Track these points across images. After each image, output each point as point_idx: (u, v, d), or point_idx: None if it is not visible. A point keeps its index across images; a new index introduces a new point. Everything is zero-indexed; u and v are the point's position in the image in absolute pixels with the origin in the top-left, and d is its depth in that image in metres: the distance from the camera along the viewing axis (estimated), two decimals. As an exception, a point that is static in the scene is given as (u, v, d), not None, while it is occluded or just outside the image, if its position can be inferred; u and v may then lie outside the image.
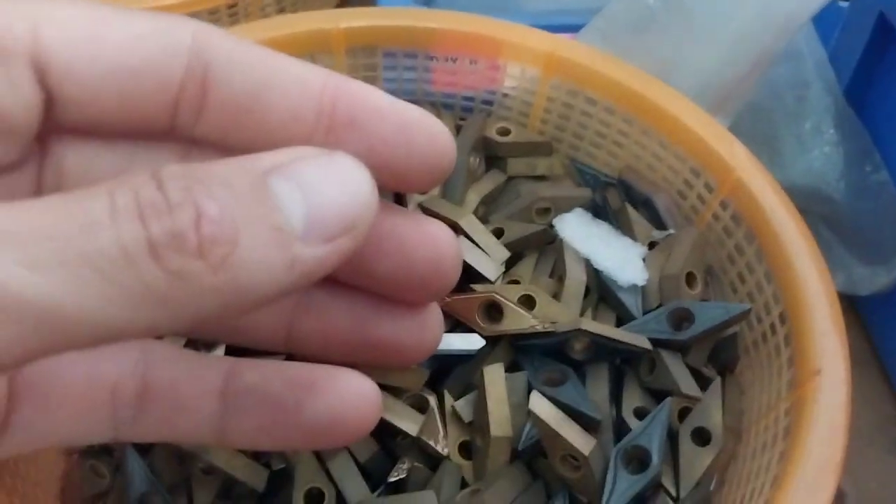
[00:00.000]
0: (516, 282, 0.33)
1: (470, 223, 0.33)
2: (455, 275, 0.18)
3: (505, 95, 0.38)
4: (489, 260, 0.33)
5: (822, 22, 0.38)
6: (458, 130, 0.38)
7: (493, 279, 0.32)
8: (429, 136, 0.17)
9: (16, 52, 0.14)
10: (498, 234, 0.34)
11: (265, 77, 0.16)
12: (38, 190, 0.17)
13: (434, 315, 0.19)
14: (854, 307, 0.40)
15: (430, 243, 0.17)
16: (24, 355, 0.12)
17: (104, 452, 0.30)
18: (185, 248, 0.12)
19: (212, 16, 0.44)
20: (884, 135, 0.37)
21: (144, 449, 0.29)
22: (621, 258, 0.32)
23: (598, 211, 0.36)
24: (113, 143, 0.17)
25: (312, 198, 0.13)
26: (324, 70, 0.17)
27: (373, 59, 0.38)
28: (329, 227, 0.13)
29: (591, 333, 0.28)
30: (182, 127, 0.16)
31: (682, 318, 0.30)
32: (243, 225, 0.12)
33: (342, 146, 0.16)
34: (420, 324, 0.18)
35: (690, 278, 0.32)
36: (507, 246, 0.33)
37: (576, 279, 0.32)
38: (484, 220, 0.35)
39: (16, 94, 0.15)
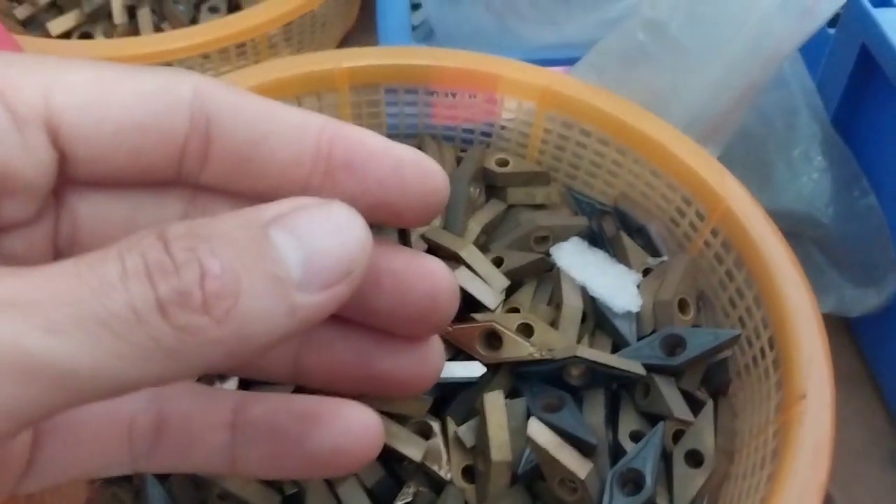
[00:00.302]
0: (516, 309, 0.34)
1: (470, 254, 0.35)
2: (452, 309, 0.18)
3: (503, 128, 0.40)
4: (489, 289, 0.34)
5: (809, 51, 0.40)
6: (458, 162, 0.40)
7: (493, 307, 0.33)
8: (421, 174, 0.17)
9: (30, 118, 0.15)
10: (498, 262, 0.35)
11: (265, 126, 0.17)
12: (55, 239, 0.18)
13: (434, 348, 0.19)
14: (847, 327, 0.41)
15: (427, 279, 0.18)
16: (45, 411, 0.13)
17: (125, 480, 0.31)
18: (191, 304, 0.13)
19: (222, 54, 0.46)
20: (870, 160, 0.38)
21: (163, 476, 0.30)
22: (616, 285, 0.34)
23: (595, 238, 0.37)
24: (123, 192, 0.18)
25: (310, 247, 0.14)
26: (320, 116, 0.17)
27: (375, 95, 0.39)
28: (326, 275, 0.14)
29: (587, 360, 0.29)
30: (187, 175, 0.17)
31: (674, 344, 0.31)
32: (245, 277, 0.13)
33: (339, 188, 0.17)
34: (421, 357, 0.19)
35: (683, 304, 0.33)
36: (507, 274, 0.35)
37: (572, 307, 0.33)
38: (484, 248, 0.36)
39: (31, 156, 0.16)
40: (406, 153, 0.17)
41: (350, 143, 0.17)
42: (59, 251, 0.18)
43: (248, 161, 0.17)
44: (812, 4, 0.36)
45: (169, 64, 0.44)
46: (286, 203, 0.14)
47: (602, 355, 0.30)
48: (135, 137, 0.16)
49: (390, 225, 0.18)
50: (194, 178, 0.17)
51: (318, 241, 0.14)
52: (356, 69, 0.38)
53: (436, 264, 0.18)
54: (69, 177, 0.17)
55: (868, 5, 0.36)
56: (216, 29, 0.45)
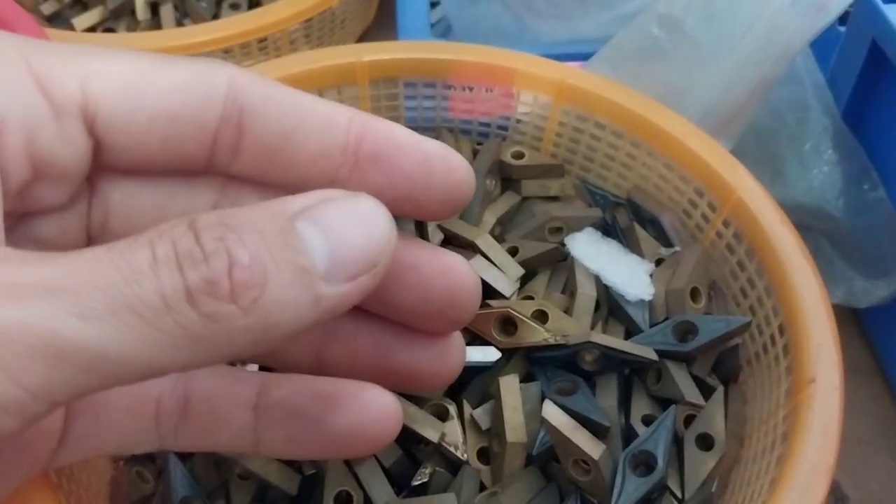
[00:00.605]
0: (530, 297, 0.35)
1: (486, 242, 0.35)
2: (473, 307, 0.19)
3: (519, 121, 0.41)
4: (504, 277, 0.35)
5: (820, 47, 0.40)
6: (475, 155, 0.41)
7: (508, 295, 0.34)
8: (447, 168, 0.18)
9: (68, 107, 0.16)
10: (513, 252, 0.36)
11: (296, 119, 0.17)
12: (88, 225, 0.18)
13: (455, 345, 0.20)
14: (857, 318, 0.42)
15: (448, 276, 0.18)
16: (75, 393, 0.13)
17: (148, 459, 0.32)
18: (219, 293, 0.13)
19: (243, 49, 0.47)
20: (880, 154, 0.39)
21: (185, 455, 0.31)
22: (629, 274, 0.34)
23: (608, 230, 0.38)
24: (156, 180, 0.18)
25: (336, 239, 0.14)
26: (350, 109, 0.18)
27: (394, 89, 0.40)
28: (351, 267, 0.14)
29: (601, 346, 0.30)
30: (219, 165, 0.18)
31: (686, 331, 0.32)
32: (271, 268, 0.13)
33: (367, 180, 0.17)
34: (441, 353, 0.19)
35: (695, 293, 0.34)
36: (522, 264, 0.35)
37: (586, 294, 0.34)
38: (500, 239, 0.37)
39: (67, 145, 0.16)
40: (433, 147, 0.18)
41: (378, 137, 0.17)
42: (90, 237, 0.18)
43: (278, 152, 0.17)
44: (823, 1, 0.37)
45: (192, 52, 0.45)
46: (314, 195, 0.15)
47: (615, 341, 0.31)
48: (168, 127, 0.17)
49: (415, 217, 0.19)
50: (225, 168, 0.18)
51: (344, 234, 0.14)
52: (376, 63, 0.39)
53: (458, 261, 0.18)
54: (103, 164, 0.17)
55: (878, 1, 0.36)
56: (238, 24, 0.46)
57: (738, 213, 0.34)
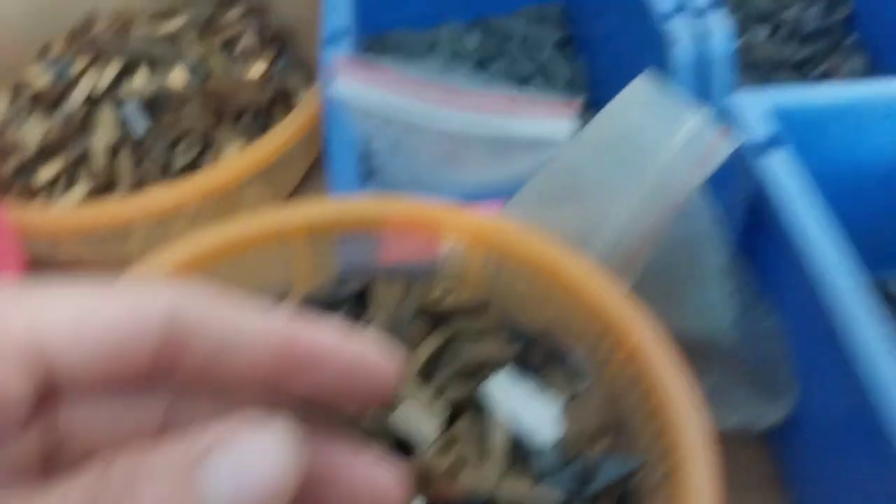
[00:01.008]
0: (452, 442, 0.38)
1: (411, 388, 0.39)
2: None
3: (443, 265, 0.44)
4: (428, 420, 0.38)
5: (716, 181, 0.44)
6: (404, 296, 0.44)
7: (430, 441, 0.37)
8: (374, 369, 0.20)
9: (11, 351, 0.18)
10: (437, 394, 0.39)
11: (231, 336, 0.19)
12: (43, 448, 0.20)
13: None
14: (762, 437, 0.45)
15: (375, 492, 0.20)
16: None
17: None
18: None
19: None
20: (770, 284, 0.42)
21: None
22: (539, 416, 0.38)
23: (526, 365, 0.41)
24: (107, 398, 0.20)
25: (237, 479, 0.16)
26: (284, 318, 0.20)
27: (328, 243, 0.44)
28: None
29: (507, 498, 0.33)
30: (162, 378, 0.20)
31: (590, 472, 0.35)
32: None
33: (299, 383, 0.20)
34: None
35: (601, 430, 0.37)
36: (445, 406, 0.39)
37: (499, 440, 0.37)
38: (426, 379, 0.40)
39: (8, 387, 0.18)
40: (362, 348, 0.20)
41: (311, 343, 0.20)
42: (47, 459, 0.20)
43: (214, 367, 0.20)
44: (706, 153, 0.41)
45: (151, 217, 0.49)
46: (218, 433, 0.17)
47: (521, 491, 0.34)
48: (109, 355, 0.19)
49: (343, 410, 0.21)
50: (169, 380, 0.20)
51: (245, 474, 0.16)
52: (311, 223, 0.43)
53: (386, 474, 0.20)
54: (54, 390, 0.19)
55: (748, 155, 0.40)
56: (194, 183, 0.50)
57: (634, 357, 0.37)
